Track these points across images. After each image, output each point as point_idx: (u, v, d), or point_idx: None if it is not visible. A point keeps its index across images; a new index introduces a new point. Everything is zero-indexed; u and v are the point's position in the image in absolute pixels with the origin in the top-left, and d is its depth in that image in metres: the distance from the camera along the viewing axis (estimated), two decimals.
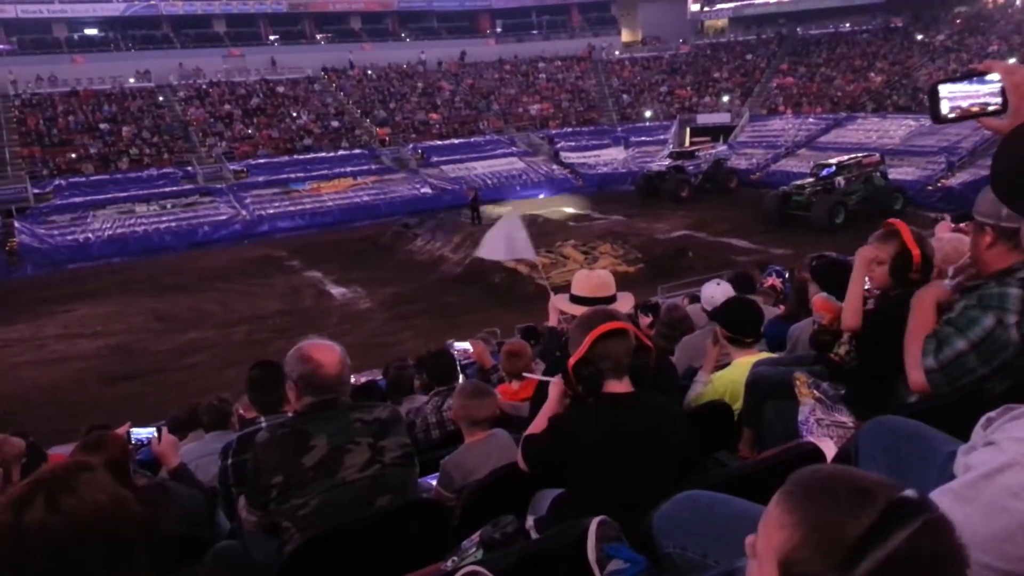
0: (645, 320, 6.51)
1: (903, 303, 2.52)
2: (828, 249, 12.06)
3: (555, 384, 2.45)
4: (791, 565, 0.93)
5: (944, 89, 1.62)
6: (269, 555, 2.46)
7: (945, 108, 1.62)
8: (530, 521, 2.35)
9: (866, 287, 2.84)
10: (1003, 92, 1.53)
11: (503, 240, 6.56)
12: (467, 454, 3.15)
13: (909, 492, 0.93)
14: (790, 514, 0.95)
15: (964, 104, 1.60)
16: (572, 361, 2.28)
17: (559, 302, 3.46)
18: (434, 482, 3.14)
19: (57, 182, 28.85)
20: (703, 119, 38.46)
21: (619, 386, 2.29)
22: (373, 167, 33.66)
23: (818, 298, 3.17)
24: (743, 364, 3.43)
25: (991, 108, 1.56)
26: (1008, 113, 1.52)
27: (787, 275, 8.61)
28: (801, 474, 1.00)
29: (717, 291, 5.10)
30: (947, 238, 3.49)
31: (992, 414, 1.46)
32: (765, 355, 3.66)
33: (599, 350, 2.25)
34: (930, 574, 0.88)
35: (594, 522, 1.78)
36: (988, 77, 1.56)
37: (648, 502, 1.89)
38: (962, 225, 2.56)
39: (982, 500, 1.26)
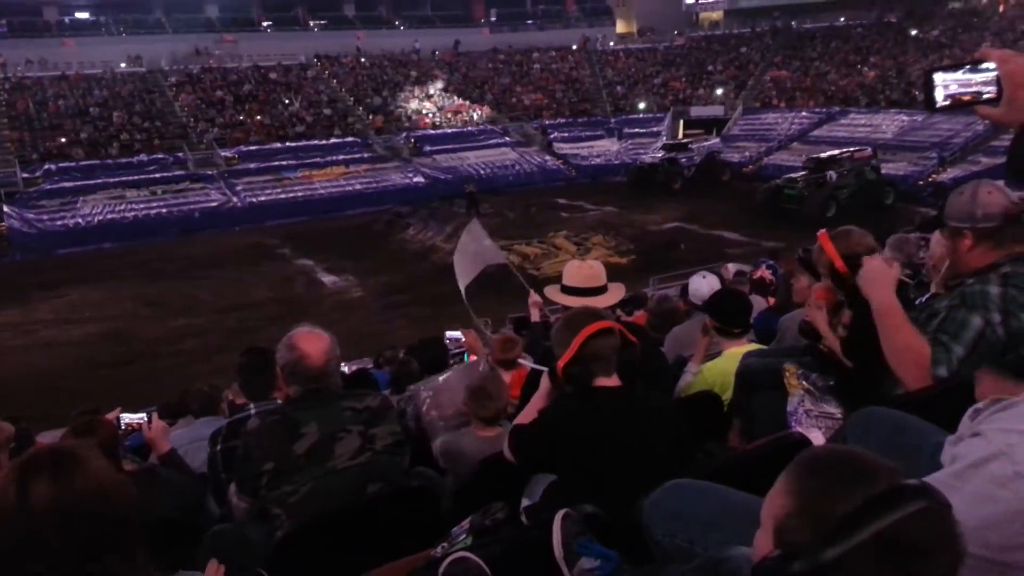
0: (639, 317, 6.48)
1: None
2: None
3: (547, 376, 2.44)
4: (783, 532, 0.97)
5: (939, 77, 1.61)
6: (259, 541, 2.46)
7: (939, 96, 1.61)
8: (525, 504, 2.36)
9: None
10: (998, 80, 1.52)
11: (470, 257, 6.47)
12: (464, 439, 3.15)
13: (912, 481, 0.95)
14: (792, 484, 1.00)
15: (958, 92, 1.59)
16: (561, 364, 2.28)
17: (551, 293, 3.45)
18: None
19: (47, 167, 28.52)
20: (697, 111, 38.41)
21: (608, 381, 2.31)
22: (366, 155, 33.45)
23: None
24: (733, 355, 3.45)
25: (986, 96, 1.55)
26: (1003, 101, 1.52)
27: (778, 268, 8.63)
28: (815, 449, 1.03)
29: (703, 284, 5.16)
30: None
31: (979, 405, 1.47)
32: (755, 346, 3.68)
33: (588, 350, 2.27)
34: (918, 561, 0.89)
35: (558, 517, 1.74)
36: (983, 65, 1.55)
37: (640, 491, 1.89)
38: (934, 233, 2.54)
39: (968, 489, 1.27)
